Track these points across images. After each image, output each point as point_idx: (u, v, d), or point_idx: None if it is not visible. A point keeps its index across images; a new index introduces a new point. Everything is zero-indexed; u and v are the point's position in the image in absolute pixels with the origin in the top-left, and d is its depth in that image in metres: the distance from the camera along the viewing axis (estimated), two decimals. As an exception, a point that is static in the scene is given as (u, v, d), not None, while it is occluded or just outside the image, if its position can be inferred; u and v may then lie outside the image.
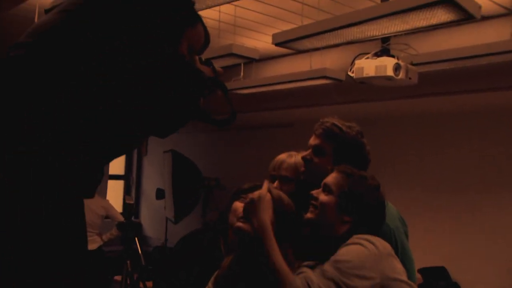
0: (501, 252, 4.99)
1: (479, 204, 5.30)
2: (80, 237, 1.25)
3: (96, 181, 1.29)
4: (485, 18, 4.25)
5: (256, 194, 1.91)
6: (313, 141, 2.20)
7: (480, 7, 2.82)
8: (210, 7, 3.10)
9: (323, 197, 1.95)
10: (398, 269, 1.77)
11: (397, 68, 3.16)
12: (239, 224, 1.87)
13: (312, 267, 1.83)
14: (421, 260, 5.19)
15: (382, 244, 1.79)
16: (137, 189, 9.81)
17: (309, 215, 1.97)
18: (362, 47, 3.92)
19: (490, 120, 5.32)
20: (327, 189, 1.96)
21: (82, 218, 1.27)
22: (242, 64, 5.22)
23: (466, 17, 2.84)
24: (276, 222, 1.87)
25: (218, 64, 4.78)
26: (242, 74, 5.35)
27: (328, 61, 4.94)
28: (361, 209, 1.92)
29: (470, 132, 5.45)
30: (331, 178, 1.97)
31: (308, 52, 4.70)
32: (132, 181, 9.87)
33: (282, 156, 2.42)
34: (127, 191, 9.72)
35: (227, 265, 1.99)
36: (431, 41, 4.07)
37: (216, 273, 2.02)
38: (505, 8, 3.94)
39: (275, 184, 2.28)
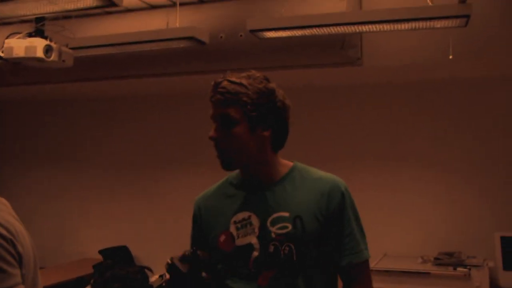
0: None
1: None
2: None
3: None
4: (154, 7, 4.48)
5: None
6: None
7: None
8: None
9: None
10: None
11: (48, 49, 3.12)
12: None
13: None
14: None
15: None
16: None
17: None
18: (28, 27, 3.76)
19: (142, 104, 5.66)
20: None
21: None
22: None
23: (110, 4, 2.96)
24: None
25: None
26: None
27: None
28: None
29: (127, 116, 5.75)
30: None
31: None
32: None
33: None
34: None
35: None
36: (95, 27, 4.14)
37: None
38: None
39: None
